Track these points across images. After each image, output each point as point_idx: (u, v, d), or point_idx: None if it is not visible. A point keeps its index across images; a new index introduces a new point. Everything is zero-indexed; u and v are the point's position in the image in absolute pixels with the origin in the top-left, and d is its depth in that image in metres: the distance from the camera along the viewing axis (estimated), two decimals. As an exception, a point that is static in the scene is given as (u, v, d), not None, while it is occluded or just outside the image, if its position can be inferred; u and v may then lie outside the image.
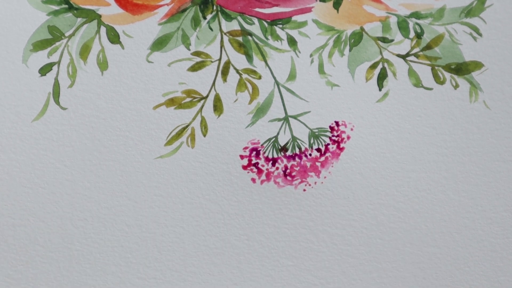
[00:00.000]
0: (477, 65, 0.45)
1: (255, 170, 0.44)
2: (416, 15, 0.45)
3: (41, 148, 0.43)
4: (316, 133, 0.44)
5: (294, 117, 0.44)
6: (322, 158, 0.44)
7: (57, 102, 0.44)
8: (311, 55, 0.45)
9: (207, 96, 0.44)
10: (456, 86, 0.45)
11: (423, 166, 0.44)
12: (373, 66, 0.45)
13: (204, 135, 0.44)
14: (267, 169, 0.44)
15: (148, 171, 0.44)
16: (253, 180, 0.44)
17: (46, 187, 0.43)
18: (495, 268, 0.43)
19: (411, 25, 0.45)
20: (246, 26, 0.45)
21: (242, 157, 0.44)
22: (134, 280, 0.43)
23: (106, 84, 0.44)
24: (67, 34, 0.44)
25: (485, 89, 0.45)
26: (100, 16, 0.44)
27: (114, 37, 0.44)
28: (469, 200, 0.44)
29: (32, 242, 0.43)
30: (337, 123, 0.44)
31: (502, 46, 0.45)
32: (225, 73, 0.44)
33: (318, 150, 0.44)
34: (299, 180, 0.44)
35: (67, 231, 0.43)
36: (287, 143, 0.44)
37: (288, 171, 0.44)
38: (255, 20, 0.45)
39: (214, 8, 0.45)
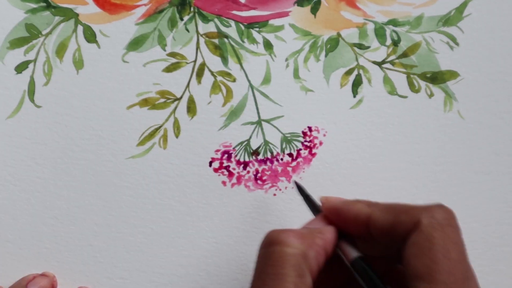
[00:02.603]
0: (453, 74, 0.45)
1: (226, 173, 0.44)
2: (393, 22, 0.45)
3: (14, 145, 0.44)
4: (289, 138, 0.44)
5: (267, 121, 0.44)
6: (294, 163, 0.44)
7: (32, 100, 0.44)
8: (286, 59, 0.45)
9: (181, 97, 0.44)
10: (431, 95, 0.45)
11: (394, 174, 0.44)
12: (349, 72, 0.45)
13: (177, 137, 0.44)
14: (238, 173, 0.44)
15: (120, 171, 0.44)
16: (224, 183, 0.44)
17: (18, 184, 0.43)
18: (464, 279, 0.43)
19: (388, 32, 0.45)
20: (223, 29, 0.45)
21: (213, 159, 0.44)
22: (102, 279, 0.43)
23: (81, 83, 0.44)
24: (44, 32, 0.44)
25: (460, 99, 0.45)
26: (77, 15, 0.45)
27: (90, 36, 0.45)
28: (440, 210, 0.44)
29: (2, 239, 0.43)
30: (310, 129, 0.44)
31: (479, 56, 0.45)
32: (200, 75, 0.44)
33: (290, 155, 0.44)
34: (270, 185, 0.44)
35: (37, 229, 0.43)
36: (259, 147, 0.44)
37: (259, 175, 0.44)
38: (232, 23, 0.45)
39: (192, 9, 0.45)
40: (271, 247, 0.32)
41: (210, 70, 0.44)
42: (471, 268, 0.32)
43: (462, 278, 0.30)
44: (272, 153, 0.44)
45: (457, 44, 0.45)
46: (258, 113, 0.44)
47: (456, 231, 0.32)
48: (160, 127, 0.44)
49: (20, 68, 0.44)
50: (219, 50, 0.44)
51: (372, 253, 0.35)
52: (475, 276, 0.33)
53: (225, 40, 0.44)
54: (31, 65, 0.44)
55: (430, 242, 0.31)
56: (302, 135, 0.44)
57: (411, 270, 0.31)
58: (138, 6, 0.45)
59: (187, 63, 0.44)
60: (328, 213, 0.36)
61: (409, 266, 0.31)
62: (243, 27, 0.45)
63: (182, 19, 0.45)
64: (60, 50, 0.44)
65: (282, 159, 0.44)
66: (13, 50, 0.44)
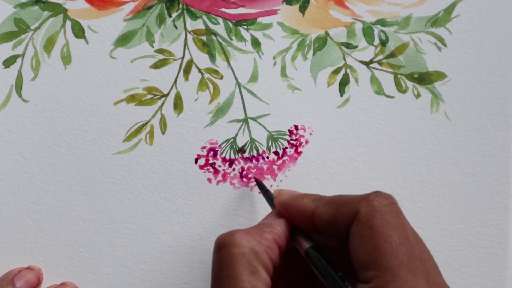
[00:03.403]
0: (440, 75, 0.45)
1: (211, 170, 0.44)
2: (381, 22, 0.45)
3: (1, 139, 0.44)
4: (275, 136, 0.44)
5: (254, 119, 0.44)
6: (279, 161, 0.44)
7: (19, 95, 0.44)
8: (274, 58, 0.45)
9: (168, 94, 0.44)
10: (417, 96, 0.45)
11: (380, 174, 0.44)
12: (336, 72, 0.45)
13: (163, 133, 0.44)
14: (223, 170, 0.44)
15: (105, 167, 0.44)
16: (209, 180, 0.44)
17: (4, 178, 0.44)
18: (447, 281, 0.43)
19: (376, 32, 0.45)
20: (211, 26, 0.45)
21: (199, 156, 0.44)
22: (86, 274, 0.43)
23: (68, 78, 0.44)
24: (32, 27, 0.44)
25: (447, 100, 0.44)
26: (66, 10, 0.45)
27: (79, 31, 0.45)
28: (424, 210, 0.44)
29: (-13, 232, 0.43)
30: (296, 127, 0.44)
31: (467, 57, 0.44)
32: (187, 71, 0.44)
33: (276, 153, 0.44)
34: (255, 182, 0.44)
35: (22, 223, 0.43)
36: (245, 145, 0.44)
37: (244, 172, 0.44)
38: (220, 20, 0.45)
39: (180, 6, 0.45)
40: (220, 251, 0.33)
41: (197, 67, 0.44)
42: (418, 249, 0.32)
43: (408, 260, 0.30)
44: (258, 151, 0.44)
45: (445, 45, 0.45)
46: (244, 110, 0.44)
47: (396, 216, 0.31)
48: (146, 123, 0.44)
49: (8, 62, 0.44)
50: (206, 47, 0.44)
51: (332, 245, 0.35)
52: (426, 255, 0.33)
53: (213, 37, 0.44)
54: (19, 60, 0.44)
55: (370, 230, 0.31)
56: (288, 134, 0.44)
57: (356, 261, 0.31)
58: (127, 2, 0.45)
59: (174, 59, 0.44)
60: (279, 207, 0.36)
61: (354, 257, 0.31)
62: (231, 25, 0.45)
63: (170, 16, 0.45)
64: (48, 45, 0.44)
65: (268, 157, 0.44)
66: (1, 45, 0.44)
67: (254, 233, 0.34)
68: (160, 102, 0.44)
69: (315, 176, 0.44)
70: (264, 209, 0.44)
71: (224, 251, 0.33)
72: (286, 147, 0.44)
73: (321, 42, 0.45)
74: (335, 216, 0.33)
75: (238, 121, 0.44)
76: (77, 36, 0.44)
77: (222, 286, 0.32)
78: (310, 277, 0.38)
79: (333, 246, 0.35)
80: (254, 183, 0.44)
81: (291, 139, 0.44)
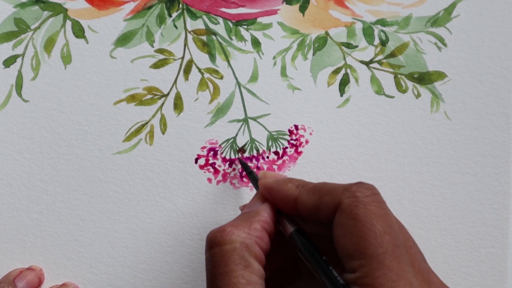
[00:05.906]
0: (440, 75, 0.45)
1: (211, 170, 0.44)
2: (381, 22, 0.45)
3: (1, 139, 0.44)
4: (275, 136, 0.44)
5: (254, 118, 0.44)
6: (280, 161, 0.44)
7: (19, 94, 0.44)
8: (274, 58, 0.45)
9: (168, 94, 0.44)
10: (418, 95, 0.45)
11: (380, 174, 0.44)
12: (336, 71, 0.45)
13: (163, 133, 0.44)
14: (223, 170, 0.44)
15: (105, 167, 0.44)
16: (209, 180, 0.44)
17: (4, 178, 0.44)
18: (447, 280, 0.43)
19: (376, 32, 0.45)
20: (211, 26, 0.45)
21: (199, 156, 0.44)
22: (86, 274, 0.43)
23: (68, 78, 0.44)
24: (32, 27, 0.44)
25: (447, 99, 0.44)
26: (66, 10, 0.45)
27: (79, 31, 0.45)
28: (424, 210, 0.44)
29: (-13, 232, 0.43)
30: (296, 127, 0.44)
31: (466, 57, 0.44)
32: (187, 71, 0.44)
33: (276, 153, 0.44)
34: (255, 182, 0.44)
35: (22, 223, 0.43)
36: (245, 145, 0.44)
37: (244, 172, 0.44)
38: (220, 20, 0.45)
39: (180, 6, 0.45)
40: (211, 250, 0.33)
41: (197, 67, 0.44)
42: (403, 236, 0.32)
43: (392, 247, 0.30)
44: (258, 151, 0.44)
45: (445, 45, 0.45)
46: (244, 110, 0.44)
47: (379, 205, 0.31)
48: (146, 123, 0.44)
49: (8, 62, 0.44)
50: (207, 47, 0.44)
51: (316, 232, 0.35)
52: (410, 243, 0.33)
53: (213, 37, 0.44)
54: (19, 60, 0.44)
55: (353, 220, 0.31)
56: (288, 134, 0.44)
57: (341, 251, 0.31)
58: (127, 2, 0.45)
59: (174, 59, 0.44)
60: (262, 190, 0.36)
61: (339, 247, 0.31)
62: (231, 25, 0.45)
63: (170, 16, 0.45)
64: (48, 45, 0.44)
65: (268, 157, 0.44)
66: (2, 44, 0.44)
67: (243, 225, 0.34)
68: (160, 102, 0.44)
69: (315, 176, 0.44)
70: (264, 209, 0.44)
71: (215, 250, 0.33)
72: (286, 147, 0.44)
73: (321, 42, 0.45)
74: (317, 205, 0.33)
75: (238, 121, 0.44)
76: (77, 36, 0.44)
77: (216, 284, 0.32)
78: (294, 263, 0.38)
79: (317, 233, 0.35)
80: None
81: (291, 139, 0.44)
